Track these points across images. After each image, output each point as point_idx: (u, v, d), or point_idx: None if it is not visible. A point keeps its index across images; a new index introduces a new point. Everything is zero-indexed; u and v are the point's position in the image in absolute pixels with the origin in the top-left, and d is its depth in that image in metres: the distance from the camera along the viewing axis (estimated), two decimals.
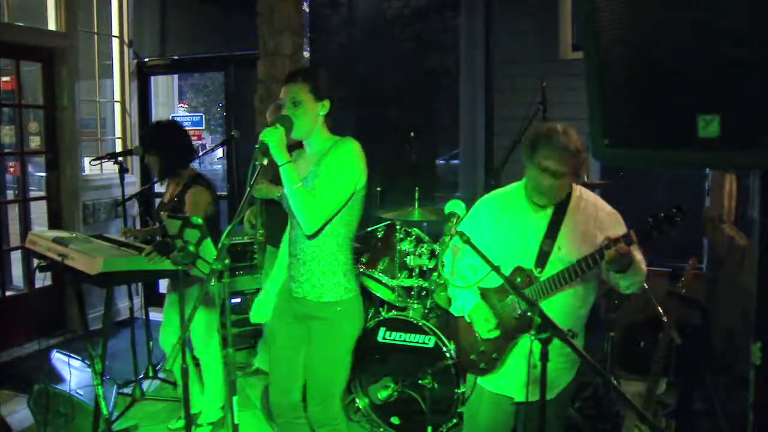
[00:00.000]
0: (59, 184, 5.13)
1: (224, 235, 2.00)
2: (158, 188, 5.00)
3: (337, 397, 2.52)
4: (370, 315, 3.70)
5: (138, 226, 5.49)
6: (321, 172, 2.37)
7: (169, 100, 6.71)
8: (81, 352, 3.33)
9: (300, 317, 2.50)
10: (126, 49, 5.69)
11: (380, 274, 3.65)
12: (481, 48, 4.75)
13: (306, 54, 5.21)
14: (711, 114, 1.00)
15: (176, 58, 5.79)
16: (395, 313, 3.49)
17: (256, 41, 5.06)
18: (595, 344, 3.46)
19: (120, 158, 3.99)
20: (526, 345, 2.22)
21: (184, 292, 2.63)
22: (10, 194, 5.78)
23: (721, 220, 3.61)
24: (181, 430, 3.42)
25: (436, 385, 3.13)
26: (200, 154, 5.00)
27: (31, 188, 5.49)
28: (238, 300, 4.64)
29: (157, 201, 3.77)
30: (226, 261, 2.00)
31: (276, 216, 3.71)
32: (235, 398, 2.11)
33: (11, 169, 5.48)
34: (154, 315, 4.82)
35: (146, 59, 5.81)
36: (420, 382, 3.18)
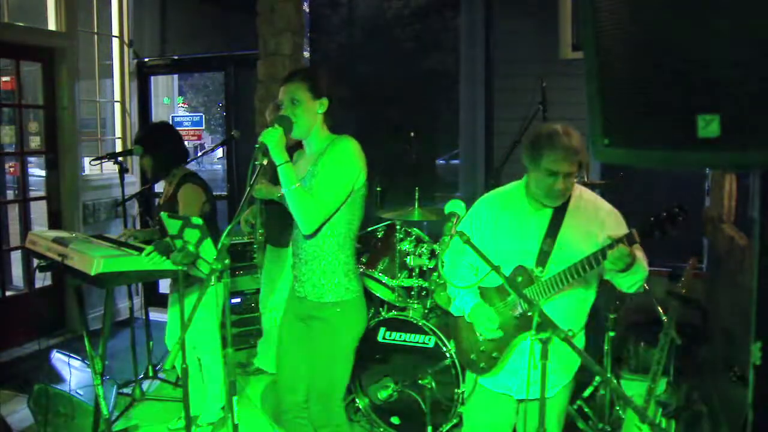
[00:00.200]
0: (59, 184, 5.13)
1: (224, 235, 2.00)
2: (158, 188, 5.01)
3: (336, 398, 2.52)
4: (370, 315, 3.70)
5: (138, 226, 5.49)
6: (318, 171, 2.37)
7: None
8: (81, 352, 3.33)
9: (303, 317, 2.51)
10: (126, 49, 5.69)
11: (380, 274, 3.66)
12: (481, 48, 4.75)
13: (306, 54, 5.21)
14: (711, 114, 1.00)
15: (176, 58, 5.79)
16: (395, 313, 3.49)
17: (256, 41, 5.06)
18: (595, 344, 3.46)
19: (120, 158, 3.99)
20: (527, 344, 2.22)
21: (184, 292, 2.63)
22: (10, 194, 5.77)
23: (721, 220, 3.61)
24: (181, 430, 3.42)
25: (436, 385, 3.13)
26: (200, 154, 5.00)
27: (31, 188, 5.49)
28: (238, 300, 4.64)
29: (157, 201, 3.78)
30: (226, 261, 1.99)
31: (275, 216, 3.71)
32: (235, 398, 2.11)
33: (11, 169, 5.47)
34: (154, 315, 4.82)
35: (146, 59, 5.81)
36: (420, 382, 3.18)
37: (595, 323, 3.52)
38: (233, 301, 4.60)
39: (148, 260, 2.80)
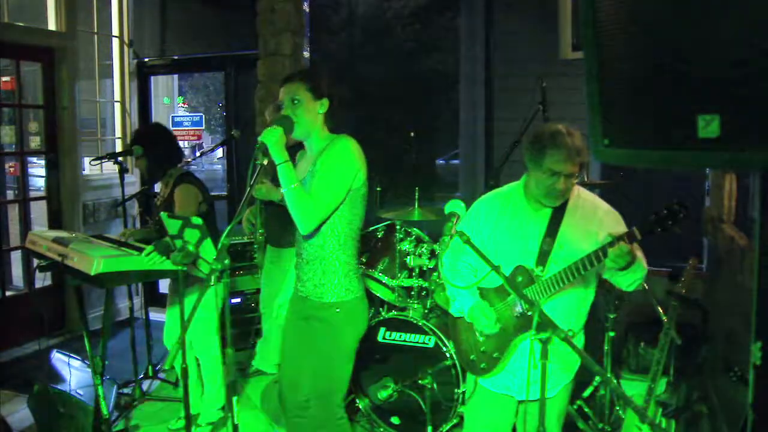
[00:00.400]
0: (59, 184, 5.13)
1: (224, 235, 2.00)
2: (158, 188, 5.00)
3: (335, 399, 2.52)
4: (370, 315, 3.70)
5: (138, 226, 5.48)
6: (317, 171, 2.37)
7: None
8: (81, 352, 3.33)
9: (305, 317, 2.51)
10: (126, 49, 5.69)
11: (380, 274, 3.66)
12: (481, 48, 4.75)
13: (306, 54, 5.21)
14: (711, 114, 1.00)
15: (176, 58, 5.79)
16: (395, 313, 3.49)
17: (256, 41, 5.06)
18: (595, 344, 3.46)
19: (120, 158, 3.99)
20: (527, 344, 2.22)
21: (184, 292, 2.63)
22: (10, 194, 5.77)
23: (721, 220, 3.61)
24: (181, 430, 3.42)
25: (436, 385, 3.13)
26: (198, 153, 5.00)
27: (31, 188, 5.49)
28: (238, 300, 4.64)
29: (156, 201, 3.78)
30: (226, 261, 1.99)
31: (275, 216, 3.71)
32: (234, 398, 2.11)
33: (11, 169, 5.47)
34: (154, 315, 4.83)
35: (146, 59, 5.81)
36: (420, 382, 3.18)
37: (595, 323, 3.53)
38: (233, 301, 4.60)
39: (148, 260, 2.80)
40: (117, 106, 5.75)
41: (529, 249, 2.28)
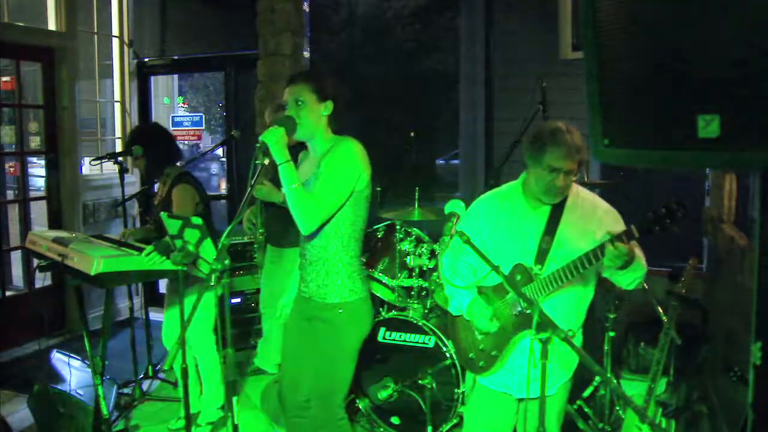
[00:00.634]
0: (59, 184, 5.13)
1: (224, 235, 2.00)
2: (157, 188, 5.00)
3: (336, 400, 2.52)
4: None
5: (138, 226, 5.48)
6: (320, 173, 2.37)
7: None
8: (81, 352, 3.33)
9: (307, 317, 2.51)
10: (126, 49, 5.69)
11: (380, 274, 3.66)
12: (481, 48, 4.75)
13: (306, 54, 5.21)
14: (711, 114, 1.00)
15: (176, 58, 5.79)
16: (395, 313, 3.49)
17: (256, 41, 5.06)
18: (595, 344, 3.46)
19: (120, 158, 3.99)
20: (526, 342, 2.23)
21: (183, 292, 2.63)
22: (10, 194, 5.77)
23: (721, 220, 3.61)
24: (181, 430, 3.42)
25: (435, 385, 3.13)
26: (199, 154, 5.00)
27: (31, 188, 5.49)
28: (238, 300, 4.64)
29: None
30: (226, 261, 1.99)
31: (276, 216, 3.71)
32: (234, 398, 2.11)
33: (11, 169, 5.47)
34: (154, 315, 4.83)
35: (146, 59, 5.81)
36: (420, 382, 3.18)
37: (595, 323, 3.53)
38: (233, 301, 4.60)
39: (148, 260, 2.80)
40: (117, 106, 5.75)
41: (527, 247, 2.28)
